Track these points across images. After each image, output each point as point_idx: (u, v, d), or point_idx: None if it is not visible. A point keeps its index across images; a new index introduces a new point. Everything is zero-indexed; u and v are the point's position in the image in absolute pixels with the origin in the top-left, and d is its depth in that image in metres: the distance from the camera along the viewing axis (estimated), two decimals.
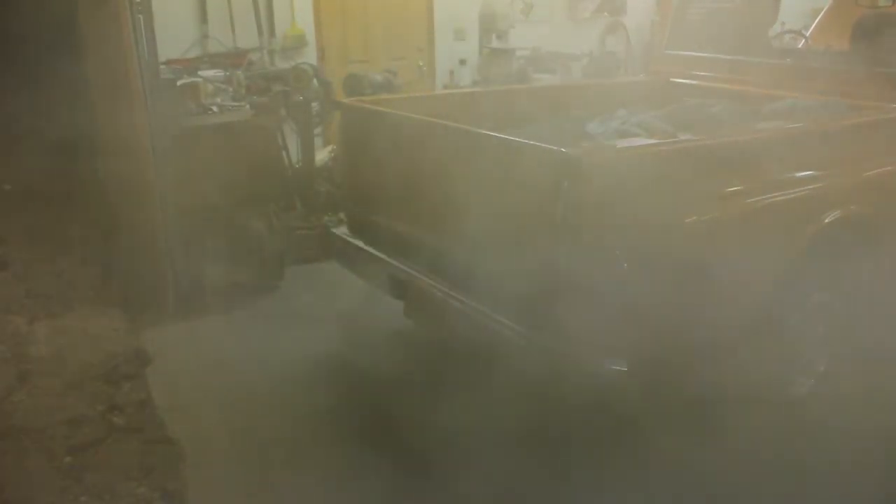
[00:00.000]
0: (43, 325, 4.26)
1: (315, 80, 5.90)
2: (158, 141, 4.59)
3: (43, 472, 3.06)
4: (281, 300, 5.00)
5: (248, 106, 5.66)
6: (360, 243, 3.90)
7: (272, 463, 3.29)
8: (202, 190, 5.04)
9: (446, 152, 3.33)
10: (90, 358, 4.00)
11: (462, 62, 8.26)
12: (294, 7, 7.35)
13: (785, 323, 3.19)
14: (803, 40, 4.89)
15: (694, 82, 4.84)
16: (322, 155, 6.37)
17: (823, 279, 3.29)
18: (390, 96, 5.49)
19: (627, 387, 2.74)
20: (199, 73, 6.17)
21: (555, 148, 2.68)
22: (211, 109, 5.65)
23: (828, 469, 3.17)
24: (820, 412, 3.52)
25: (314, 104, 6.01)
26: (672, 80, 5.00)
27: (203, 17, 6.92)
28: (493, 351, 3.12)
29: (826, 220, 3.12)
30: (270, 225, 5.01)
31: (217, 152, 5.26)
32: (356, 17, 7.83)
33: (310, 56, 7.41)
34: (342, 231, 4.09)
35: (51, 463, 3.13)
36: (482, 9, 8.31)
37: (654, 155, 2.95)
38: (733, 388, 3.20)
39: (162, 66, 4.99)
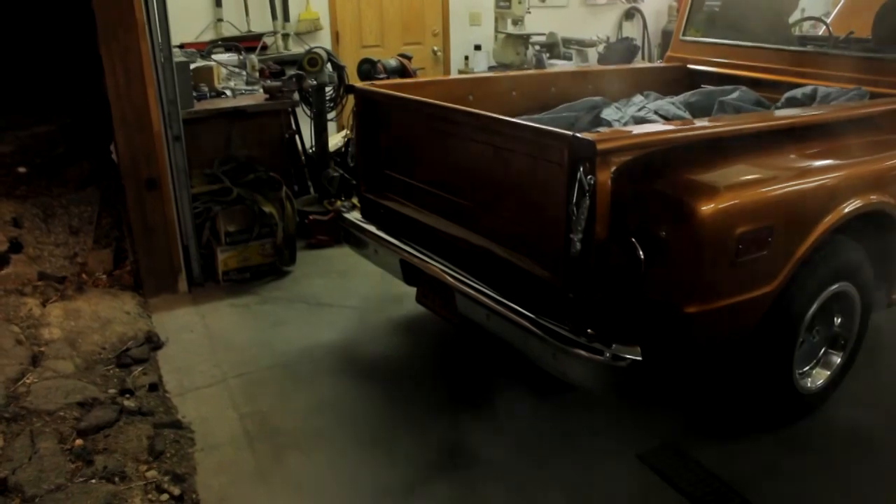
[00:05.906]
0: (55, 308, 4.28)
1: (329, 65, 5.88)
2: (171, 124, 4.58)
3: (54, 453, 3.07)
4: (293, 285, 4.99)
5: (261, 90, 5.65)
6: (373, 228, 3.88)
7: (282, 447, 3.28)
8: (215, 174, 5.05)
9: (461, 137, 3.30)
10: (102, 341, 4.02)
11: (477, 48, 8.22)
12: None
13: (801, 314, 3.14)
14: (824, 27, 4.81)
15: (712, 69, 4.79)
16: (336, 140, 6.35)
17: (842, 270, 3.24)
18: (404, 80, 5.45)
19: (641, 376, 2.71)
20: (213, 56, 6.16)
21: (570, 133, 2.64)
22: (224, 93, 5.65)
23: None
24: (835, 406, 3.48)
25: (328, 89, 5.99)
26: (690, 66, 4.95)
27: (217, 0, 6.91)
28: (505, 338, 3.10)
29: (845, 210, 3.07)
30: (283, 209, 5.00)
31: (230, 136, 5.26)
32: (371, 2, 7.80)
33: (324, 40, 7.39)
34: (355, 216, 4.07)
35: (61, 445, 3.15)
36: None
37: (670, 141, 2.91)
38: (746, 381, 3.18)
39: (176, 49, 4.97)
